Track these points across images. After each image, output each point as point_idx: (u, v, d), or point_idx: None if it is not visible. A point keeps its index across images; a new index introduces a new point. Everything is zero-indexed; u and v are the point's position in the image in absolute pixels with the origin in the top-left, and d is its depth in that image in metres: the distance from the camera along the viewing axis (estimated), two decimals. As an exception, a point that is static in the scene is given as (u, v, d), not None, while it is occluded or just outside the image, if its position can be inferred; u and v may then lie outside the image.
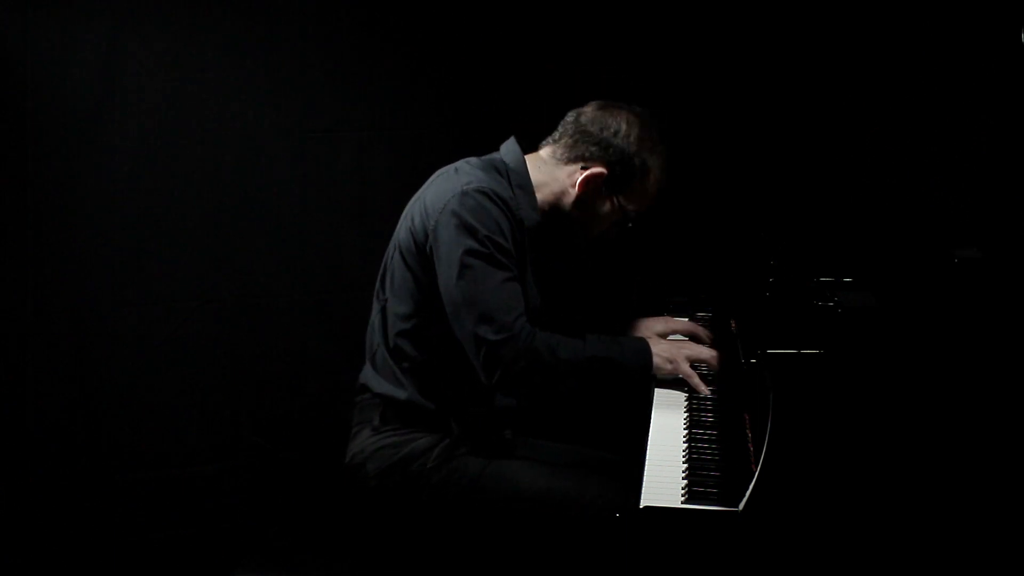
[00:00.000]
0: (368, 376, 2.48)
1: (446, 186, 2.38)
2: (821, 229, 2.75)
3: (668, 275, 3.32)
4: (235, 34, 3.12)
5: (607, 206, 2.47)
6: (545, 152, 2.50)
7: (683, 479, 1.97)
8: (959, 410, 1.74)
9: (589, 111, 2.47)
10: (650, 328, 2.69)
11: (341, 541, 2.42)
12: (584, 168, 2.43)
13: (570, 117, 2.49)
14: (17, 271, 3.00)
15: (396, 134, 3.27)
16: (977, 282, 2.28)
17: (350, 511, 2.49)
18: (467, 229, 2.30)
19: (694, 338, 2.62)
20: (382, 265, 2.51)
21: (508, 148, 2.50)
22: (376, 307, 2.49)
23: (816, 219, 2.84)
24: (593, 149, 2.43)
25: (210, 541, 3.23)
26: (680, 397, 2.39)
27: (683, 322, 2.72)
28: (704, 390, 2.39)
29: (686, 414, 2.30)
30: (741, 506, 1.72)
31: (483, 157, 2.49)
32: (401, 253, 2.42)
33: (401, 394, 2.41)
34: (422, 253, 2.37)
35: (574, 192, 2.45)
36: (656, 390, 2.42)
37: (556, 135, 2.50)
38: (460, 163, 2.47)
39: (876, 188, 3.17)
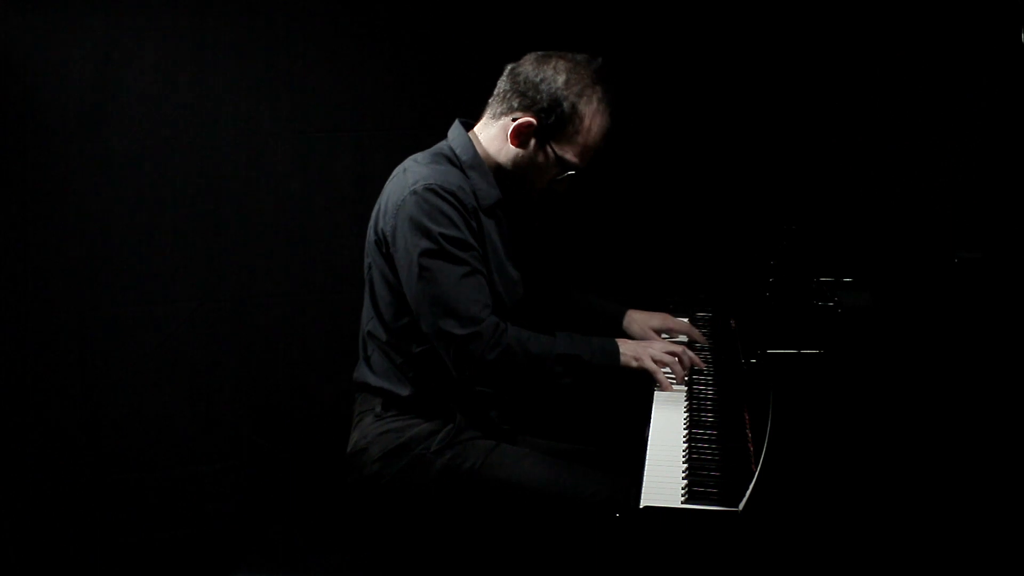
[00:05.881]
0: (366, 375, 2.48)
1: (397, 190, 2.38)
2: (821, 229, 2.74)
3: (669, 275, 3.32)
4: (235, 34, 3.12)
5: (543, 156, 2.41)
6: (484, 116, 2.48)
7: (683, 479, 1.97)
8: (959, 410, 1.74)
9: (523, 63, 2.42)
10: (646, 323, 2.69)
11: (342, 540, 2.42)
12: (514, 120, 2.39)
13: (505, 72, 2.45)
14: (17, 271, 3.00)
15: (396, 134, 3.27)
16: (977, 282, 2.28)
17: (351, 508, 2.48)
18: (419, 230, 2.30)
19: (688, 341, 2.64)
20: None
21: (453, 133, 2.48)
22: (365, 309, 2.49)
23: (816, 219, 2.83)
24: (522, 99, 2.38)
25: (210, 541, 3.24)
26: (680, 396, 2.39)
27: (682, 322, 2.73)
28: (668, 385, 2.40)
29: (686, 414, 2.30)
30: (741, 506, 1.72)
31: (430, 149, 2.47)
32: (372, 259, 2.43)
33: (403, 390, 2.42)
34: (388, 258, 2.38)
35: (510, 147, 2.41)
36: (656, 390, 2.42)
37: (493, 94, 2.46)
38: (408, 162, 2.45)
39: (876, 188, 3.17)
